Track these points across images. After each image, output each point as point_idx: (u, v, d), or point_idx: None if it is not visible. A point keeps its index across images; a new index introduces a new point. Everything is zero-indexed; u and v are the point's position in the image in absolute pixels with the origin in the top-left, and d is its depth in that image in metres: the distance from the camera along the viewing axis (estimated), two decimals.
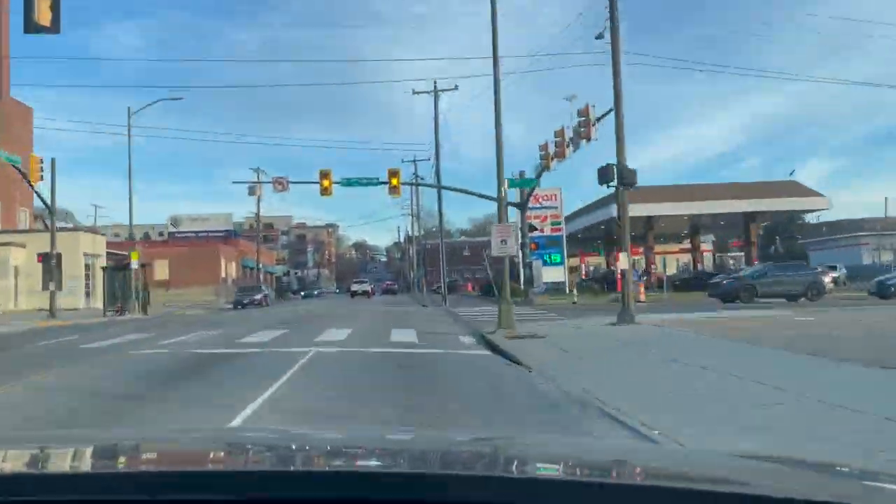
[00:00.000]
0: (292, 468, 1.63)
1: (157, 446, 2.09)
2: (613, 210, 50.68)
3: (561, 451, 2.06)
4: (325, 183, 33.93)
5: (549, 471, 1.70)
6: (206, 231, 69.19)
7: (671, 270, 58.14)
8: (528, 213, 41.94)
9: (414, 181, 46.84)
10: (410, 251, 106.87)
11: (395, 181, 33.56)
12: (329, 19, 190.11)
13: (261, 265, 77.96)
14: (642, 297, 32.44)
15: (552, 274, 39.20)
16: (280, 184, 34.66)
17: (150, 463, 1.79)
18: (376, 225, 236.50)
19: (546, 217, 40.09)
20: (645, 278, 52.86)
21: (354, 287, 66.76)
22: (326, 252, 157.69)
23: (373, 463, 1.79)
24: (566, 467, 1.71)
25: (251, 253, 68.46)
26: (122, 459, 1.86)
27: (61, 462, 1.76)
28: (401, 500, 1.29)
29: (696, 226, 59.18)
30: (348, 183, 34.62)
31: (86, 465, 1.76)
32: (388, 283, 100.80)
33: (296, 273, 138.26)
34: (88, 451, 1.90)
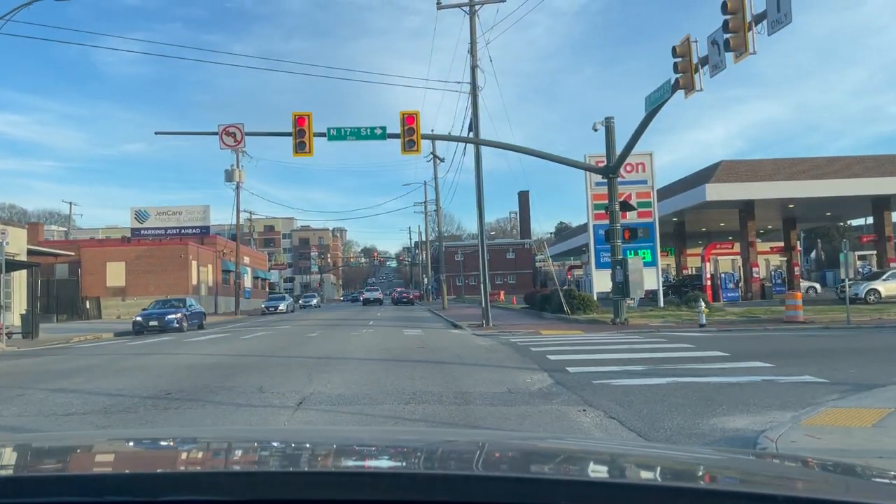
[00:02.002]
0: (291, 469, 1.60)
1: (159, 447, 2.02)
2: (704, 192, 38.05)
3: (565, 450, 1.97)
4: (303, 129, 21.43)
5: (554, 470, 1.65)
6: (177, 227, 56.71)
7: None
8: (599, 189, 29.22)
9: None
10: (423, 255, 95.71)
11: (412, 126, 20.95)
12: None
13: (247, 268, 65.45)
14: (801, 317, 20.21)
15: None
16: (230, 135, 22.06)
17: (153, 464, 1.74)
18: (385, 227, 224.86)
19: (630, 195, 27.22)
20: (742, 285, 40.26)
21: (367, 295, 72.10)
22: (329, 257, 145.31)
23: (373, 463, 1.73)
24: (573, 467, 1.69)
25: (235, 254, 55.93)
26: (124, 461, 1.81)
27: (62, 463, 1.73)
28: (401, 501, 1.25)
29: (791, 217, 46.16)
30: (339, 134, 22.06)
31: (86, 466, 1.73)
32: (398, 289, 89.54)
33: (292, 279, 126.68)
34: (89, 452, 1.89)
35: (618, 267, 22.50)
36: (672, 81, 17.28)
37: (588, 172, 29.50)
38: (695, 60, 15.97)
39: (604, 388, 8.98)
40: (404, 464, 1.72)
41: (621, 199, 23.34)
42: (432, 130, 50.84)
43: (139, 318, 27.92)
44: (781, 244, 50.34)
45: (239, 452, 1.88)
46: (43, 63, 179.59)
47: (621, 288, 22.29)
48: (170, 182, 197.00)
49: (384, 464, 1.73)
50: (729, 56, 14.58)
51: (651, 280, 28.12)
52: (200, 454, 1.88)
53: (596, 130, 22.83)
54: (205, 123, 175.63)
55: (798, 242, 48.08)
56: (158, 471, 1.59)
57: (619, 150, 22.29)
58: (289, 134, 21.78)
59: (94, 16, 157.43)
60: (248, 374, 10.96)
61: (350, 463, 1.75)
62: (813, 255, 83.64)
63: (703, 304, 21.26)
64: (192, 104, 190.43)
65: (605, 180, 25.47)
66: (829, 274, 63.72)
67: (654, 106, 18.33)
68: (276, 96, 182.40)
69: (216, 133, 22.09)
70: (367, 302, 68.66)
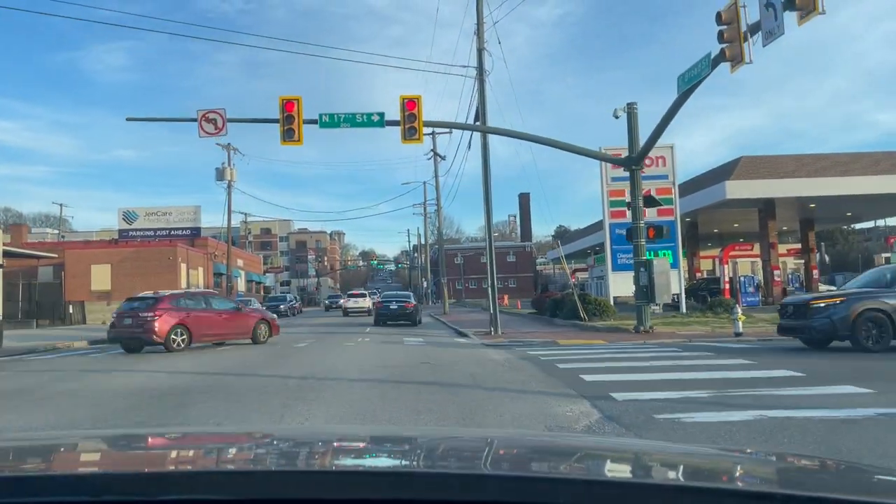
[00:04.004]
0: (291, 468, 1.57)
1: (158, 446, 2.01)
2: (724, 190, 35.74)
3: (568, 447, 1.99)
4: (291, 115, 19.23)
5: (554, 469, 1.64)
6: (167, 229, 54.34)
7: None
8: (616, 184, 27.01)
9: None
10: (422, 259, 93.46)
11: (413, 112, 18.76)
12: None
13: (241, 271, 63.16)
14: None
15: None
16: (210, 122, 19.80)
17: (152, 463, 1.73)
18: (384, 231, 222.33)
19: (648, 191, 24.93)
20: (762, 290, 37.95)
21: (349, 304, 47.34)
22: (327, 260, 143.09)
23: (373, 462, 1.71)
24: (574, 465, 1.68)
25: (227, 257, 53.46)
26: (122, 460, 1.81)
27: (60, 463, 1.70)
28: (401, 500, 1.23)
29: (810, 217, 43.98)
30: (332, 121, 19.80)
31: (84, 465, 1.71)
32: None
33: (288, 283, 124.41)
34: (87, 451, 1.89)
35: (641, 269, 20.24)
36: (712, 56, 15.06)
37: (603, 168, 27.34)
38: (743, 28, 13.74)
39: (674, 427, 6.71)
40: (404, 462, 1.71)
41: (648, 195, 21.12)
42: (432, 131, 48.62)
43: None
44: (798, 246, 48.22)
45: (239, 451, 1.84)
46: (31, 71, 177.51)
47: (645, 292, 20.04)
48: (163, 187, 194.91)
49: (385, 462, 1.70)
50: (790, 17, 12.33)
51: (673, 283, 25.82)
52: (200, 453, 1.85)
53: (617, 118, 20.59)
54: (195, 129, 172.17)
55: (816, 244, 45.90)
56: (157, 470, 1.56)
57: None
58: (276, 121, 19.57)
59: (79, 26, 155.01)
60: (207, 402, 8.64)
61: (350, 462, 1.71)
62: (817, 257, 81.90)
63: (738, 310, 18.96)
64: (182, 111, 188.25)
65: (624, 175, 23.31)
66: (840, 277, 61.84)
67: (690, 85, 16.09)
68: (267, 102, 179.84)
69: (195, 119, 19.85)
70: (347, 313, 64.35)
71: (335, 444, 1.94)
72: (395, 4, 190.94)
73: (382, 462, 1.71)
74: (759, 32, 13.34)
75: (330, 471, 1.51)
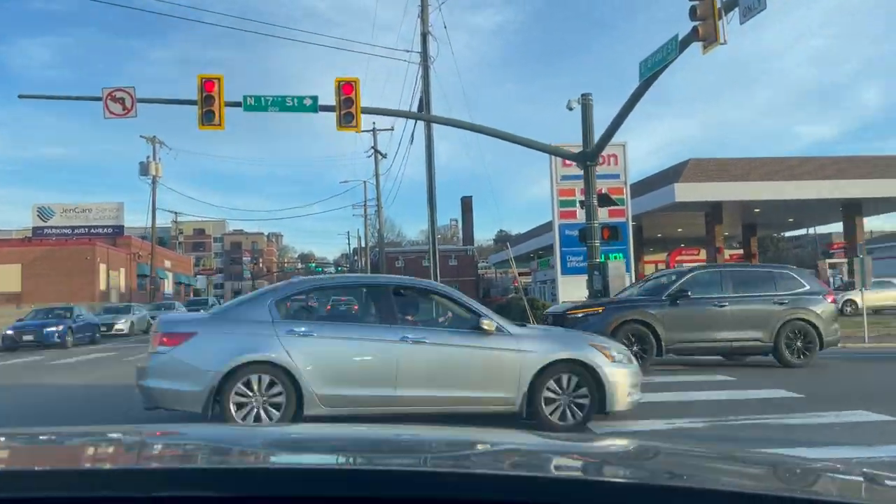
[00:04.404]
0: (285, 466, 1.58)
1: (152, 442, 1.97)
2: (673, 193, 34.86)
3: (555, 449, 1.92)
4: (211, 95, 17.14)
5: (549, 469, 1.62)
6: (86, 227, 50.73)
7: None
8: (566, 183, 25.67)
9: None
10: (361, 262, 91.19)
11: (352, 96, 16.89)
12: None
13: (168, 273, 59.73)
14: None
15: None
16: (118, 102, 17.48)
17: (146, 459, 1.72)
18: (323, 234, 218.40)
19: (600, 190, 23.59)
20: None
21: None
22: (263, 262, 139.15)
23: (361, 460, 1.73)
24: (567, 466, 1.67)
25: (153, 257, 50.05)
26: (116, 456, 1.79)
27: (52, 458, 1.71)
28: (393, 498, 1.24)
29: (753, 223, 43.90)
30: (258, 104, 17.75)
31: (78, 461, 1.69)
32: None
33: (221, 285, 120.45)
34: (81, 446, 1.85)
35: (596, 272, 18.84)
36: (679, 38, 13.69)
37: (553, 166, 25.87)
38: (719, 4, 12.38)
39: None
40: (341, 460, 1.72)
41: (603, 192, 19.76)
42: (374, 124, 46.74)
43: (10, 332, 22.97)
44: (741, 251, 48.24)
45: (232, 449, 1.81)
46: None
47: (600, 297, 18.61)
48: (92, 186, 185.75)
49: (370, 460, 1.71)
50: None
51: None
52: (194, 450, 1.82)
53: (571, 109, 19.22)
54: (128, 128, 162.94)
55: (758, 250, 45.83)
56: (152, 466, 1.56)
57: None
58: (194, 102, 17.39)
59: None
60: None
61: (342, 460, 1.73)
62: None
63: None
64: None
65: (575, 173, 22.05)
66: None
67: (654, 70, 14.69)
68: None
69: (100, 98, 17.49)
70: None
71: (329, 442, 1.94)
72: (333, 6, 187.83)
73: (368, 459, 1.70)
74: (737, 9, 12.00)
75: (323, 468, 1.51)
